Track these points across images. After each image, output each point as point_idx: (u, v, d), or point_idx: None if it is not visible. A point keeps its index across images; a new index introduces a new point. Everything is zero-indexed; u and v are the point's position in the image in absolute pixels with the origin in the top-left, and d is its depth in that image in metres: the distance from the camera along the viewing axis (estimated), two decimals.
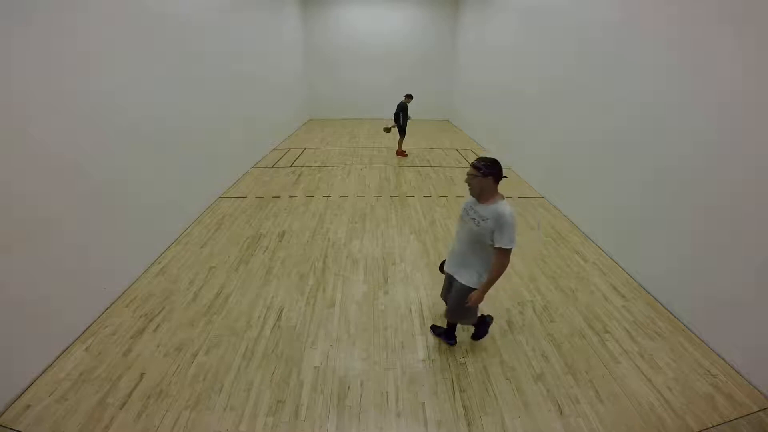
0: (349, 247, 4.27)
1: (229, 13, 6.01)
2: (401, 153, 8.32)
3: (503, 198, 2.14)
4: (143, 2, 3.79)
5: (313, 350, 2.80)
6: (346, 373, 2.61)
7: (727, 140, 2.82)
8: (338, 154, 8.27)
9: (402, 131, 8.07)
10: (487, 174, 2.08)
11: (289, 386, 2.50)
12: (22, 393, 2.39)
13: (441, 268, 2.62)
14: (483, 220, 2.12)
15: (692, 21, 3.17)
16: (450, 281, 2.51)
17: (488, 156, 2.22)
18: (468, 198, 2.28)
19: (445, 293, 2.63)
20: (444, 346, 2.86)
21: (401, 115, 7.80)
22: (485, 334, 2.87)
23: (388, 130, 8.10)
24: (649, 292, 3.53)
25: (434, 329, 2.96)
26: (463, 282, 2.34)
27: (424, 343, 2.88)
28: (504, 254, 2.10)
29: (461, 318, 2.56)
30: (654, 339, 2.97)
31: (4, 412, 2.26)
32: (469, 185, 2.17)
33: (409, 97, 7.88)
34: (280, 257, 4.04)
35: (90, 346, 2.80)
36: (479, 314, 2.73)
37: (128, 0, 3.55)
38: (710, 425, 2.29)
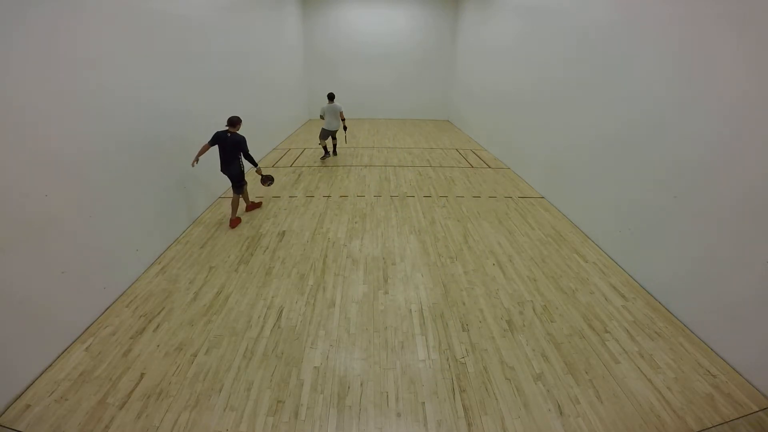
0: (349, 247, 4.27)
1: (229, 12, 6.00)
2: (251, 207, 5.26)
3: None
4: (143, 2, 3.78)
5: (313, 350, 2.80)
6: (346, 373, 2.61)
7: (727, 141, 2.82)
8: (338, 154, 8.26)
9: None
10: None
11: (289, 386, 2.50)
12: (22, 393, 2.39)
13: None
14: None
15: (692, 21, 3.17)
16: None
17: None
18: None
19: None
20: (444, 345, 2.85)
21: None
22: None
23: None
24: (649, 292, 3.52)
25: None
26: None
27: (424, 343, 2.88)
28: None
29: None
30: (654, 339, 2.97)
31: (4, 412, 2.26)
32: None
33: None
34: (280, 257, 4.04)
35: (90, 346, 2.79)
36: None
37: (128, 0, 3.55)
38: (710, 425, 2.29)
